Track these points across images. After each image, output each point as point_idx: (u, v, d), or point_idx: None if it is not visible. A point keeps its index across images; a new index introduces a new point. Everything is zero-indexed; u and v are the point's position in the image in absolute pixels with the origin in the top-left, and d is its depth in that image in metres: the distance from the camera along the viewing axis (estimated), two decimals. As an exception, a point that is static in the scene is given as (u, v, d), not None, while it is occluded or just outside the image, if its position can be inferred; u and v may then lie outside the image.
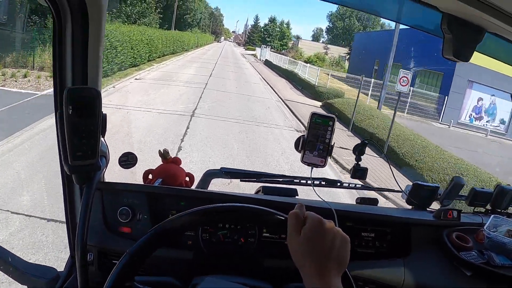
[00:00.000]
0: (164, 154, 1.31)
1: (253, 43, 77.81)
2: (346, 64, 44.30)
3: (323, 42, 55.50)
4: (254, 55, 43.39)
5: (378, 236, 1.25)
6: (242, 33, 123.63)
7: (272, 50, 35.74)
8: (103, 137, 0.97)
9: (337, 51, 46.67)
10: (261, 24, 73.43)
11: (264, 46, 36.56)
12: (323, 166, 0.96)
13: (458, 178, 1.42)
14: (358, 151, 1.25)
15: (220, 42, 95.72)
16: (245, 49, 66.75)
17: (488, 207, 1.54)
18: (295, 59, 37.22)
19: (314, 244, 0.60)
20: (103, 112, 0.91)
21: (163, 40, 20.46)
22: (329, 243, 0.60)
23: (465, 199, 1.51)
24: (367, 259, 1.22)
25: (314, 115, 0.94)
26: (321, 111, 0.99)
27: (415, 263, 1.23)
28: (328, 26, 72.55)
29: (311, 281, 0.57)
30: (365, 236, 1.24)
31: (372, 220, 1.25)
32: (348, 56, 44.45)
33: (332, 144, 0.95)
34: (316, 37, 71.91)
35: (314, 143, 0.95)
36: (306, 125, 0.94)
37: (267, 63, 30.78)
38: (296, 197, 1.34)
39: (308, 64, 19.02)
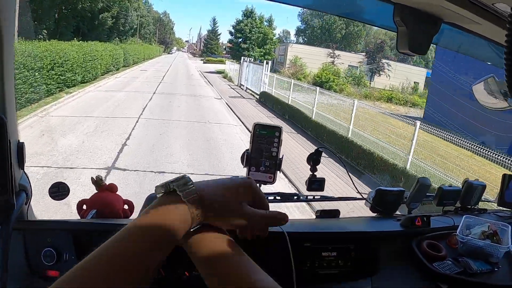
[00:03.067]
0: (97, 182, 1.19)
1: (211, 52, 66.58)
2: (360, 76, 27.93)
3: (323, 46, 38.69)
4: (223, 74, 25.19)
5: (341, 254, 1.14)
6: (197, 41, 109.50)
7: (253, 62, 17.55)
8: (22, 169, 0.93)
9: (345, 59, 30.24)
10: (219, 29, 55.99)
11: (249, 59, 18.82)
12: (272, 182, 0.91)
13: (423, 179, 1.38)
14: (313, 160, 1.17)
15: (172, 53, 78.40)
16: (204, 62, 48.56)
17: (458, 204, 1.54)
18: (299, 79, 20.29)
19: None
20: (20, 141, 0.90)
21: None
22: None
23: (433, 199, 1.49)
24: (330, 281, 1.14)
25: (256, 126, 0.90)
26: (266, 121, 0.95)
27: (384, 281, 1.16)
28: (300, 27, 63.64)
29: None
30: (326, 256, 1.13)
31: (332, 237, 1.16)
32: (363, 65, 28.18)
33: (281, 157, 0.91)
34: (281, 42, 57.42)
35: (259, 158, 0.90)
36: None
37: (284, 114, 12.90)
38: None
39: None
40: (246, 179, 0.63)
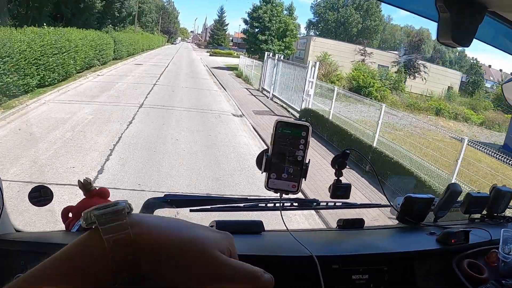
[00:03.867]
0: (85, 186, 1.04)
1: (217, 43, 60.77)
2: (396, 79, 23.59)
3: (350, 40, 34.00)
4: (236, 71, 20.66)
5: (373, 277, 0.99)
6: (202, 32, 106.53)
7: (282, 60, 12.64)
8: None
9: (376, 57, 25.72)
10: (227, 20, 51.47)
11: (278, 56, 13.97)
12: (296, 192, 0.77)
13: (454, 185, 1.26)
14: (339, 163, 1.01)
15: (176, 43, 74.36)
16: (210, 54, 44.27)
17: (484, 212, 1.42)
18: (332, 81, 16.15)
19: None
20: None
21: None
22: None
23: (460, 206, 1.35)
24: None
25: (279, 123, 0.75)
26: (289, 119, 0.78)
27: None
28: (312, 19, 58.51)
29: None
30: (357, 279, 0.97)
31: (363, 258, 1.00)
32: (397, 66, 23.64)
33: (307, 162, 0.76)
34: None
35: (281, 163, 0.76)
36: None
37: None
38: (262, 233, 1.02)
39: None
40: (228, 234, 0.43)
